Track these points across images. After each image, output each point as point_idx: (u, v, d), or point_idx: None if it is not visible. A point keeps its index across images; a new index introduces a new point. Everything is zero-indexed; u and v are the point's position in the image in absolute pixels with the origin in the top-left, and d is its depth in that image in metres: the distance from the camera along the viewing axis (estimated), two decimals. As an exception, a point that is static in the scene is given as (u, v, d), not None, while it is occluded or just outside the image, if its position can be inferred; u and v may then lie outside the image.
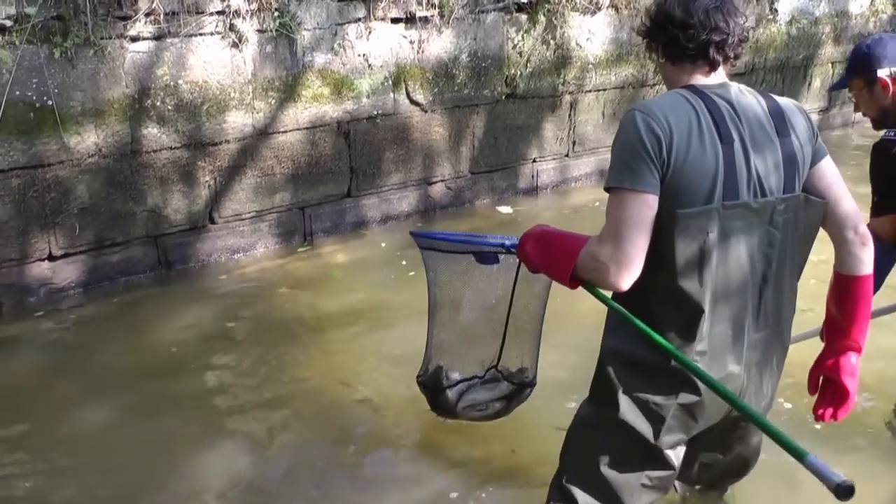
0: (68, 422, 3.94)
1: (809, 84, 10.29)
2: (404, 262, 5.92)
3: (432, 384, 3.41)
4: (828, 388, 2.69)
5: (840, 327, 2.64)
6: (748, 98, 2.44)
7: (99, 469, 3.59)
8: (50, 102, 4.96)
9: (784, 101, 2.50)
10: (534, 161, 7.75)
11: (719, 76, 2.48)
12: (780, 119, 2.42)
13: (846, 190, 2.53)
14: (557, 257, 2.58)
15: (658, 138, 2.26)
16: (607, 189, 2.36)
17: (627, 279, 2.30)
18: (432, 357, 3.41)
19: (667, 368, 2.41)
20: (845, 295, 2.60)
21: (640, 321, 2.41)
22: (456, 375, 3.43)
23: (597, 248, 2.36)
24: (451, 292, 3.25)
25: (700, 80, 2.46)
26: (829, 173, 2.52)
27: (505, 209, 7.34)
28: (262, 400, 4.11)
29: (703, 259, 2.31)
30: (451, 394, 3.37)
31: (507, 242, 2.90)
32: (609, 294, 2.51)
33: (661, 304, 2.41)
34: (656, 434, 2.51)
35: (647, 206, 2.27)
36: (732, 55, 2.46)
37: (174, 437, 3.79)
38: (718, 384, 2.29)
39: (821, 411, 2.68)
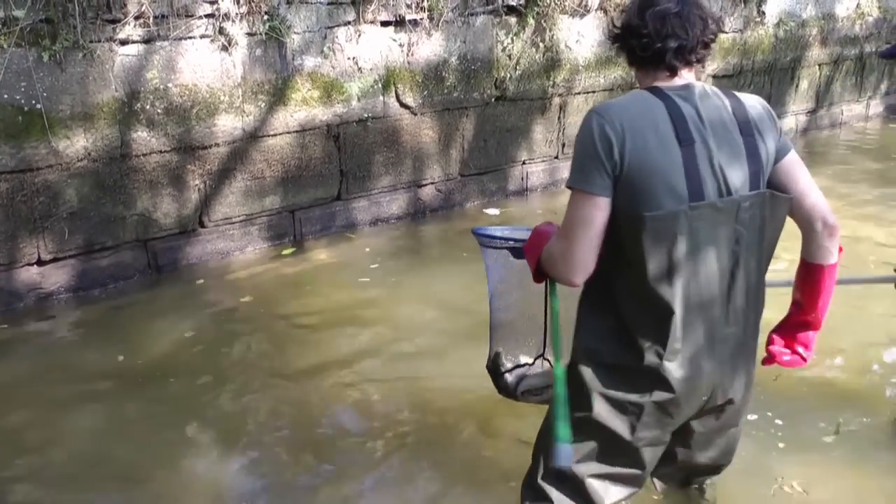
0: (57, 428, 3.91)
1: (797, 86, 10.34)
2: (374, 266, 5.97)
3: (493, 369, 3.47)
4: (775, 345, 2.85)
5: (803, 307, 2.76)
6: (711, 99, 2.46)
7: (88, 476, 3.56)
8: (38, 106, 4.94)
9: (747, 100, 2.53)
10: (523, 163, 7.77)
11: (684, 79, 2.49)
12: (743, 118, 2.45)
13: (813, 183, 2.58)
14: (531, 252, 2.71)
15: (609, 142, 2.31)
16: (568, 187, 2.44)
17: (577, 275, 2.44)
18: (493, 344, 3.47)
19: (639, 369, 2.48)
20: (810, 281, 2.70)
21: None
22: (513, 361, 3.49)
23: (552, 245, 2.52)
24: (502, 285, 3.34)
25: (663, 83, 2.48)
26: (795, 168, 2.56)
27: (492, 211, 7.36)
28: (252, 405, 4.09)
29: (672, 260, 2.36)
30: (509, 378, 3.44)
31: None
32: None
33: (631, 306, 2.49)
34: (632, 430, 2.57)
35: (596, 207, 2.36)
36: (695, 60, 2.48)
37: (165, 443, 3.77)
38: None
39: (774, 355, 2.83)
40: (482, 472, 3.53)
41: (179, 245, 5.85)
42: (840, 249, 2.66)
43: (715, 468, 3.04)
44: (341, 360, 4.52)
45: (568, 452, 2.29)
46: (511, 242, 3.12)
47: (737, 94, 2.54)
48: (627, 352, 2.49)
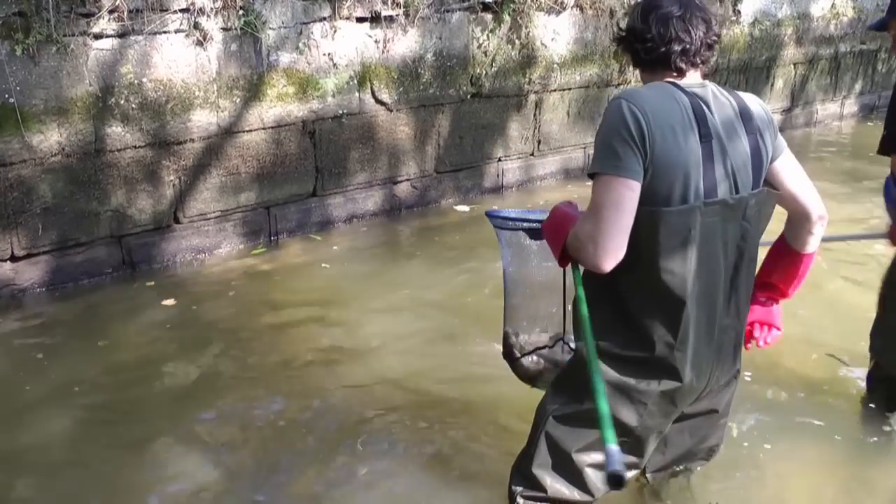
0: (31, 428, 3.88)
1: (772, 85, 10.40)
2: (348, 262, 6.02)
3: (508, 354, 3.38)
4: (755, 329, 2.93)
5: (776, 285, 2.87)
6: (720, 98, 2.52)
7: (64, 478, 3.52)
8: (11, 100, 4.91)
9: (749, 100, 2.59)
10: (499, 160, 7.78)
11: (695, 78, 2.55)
12: (747, 118, 2.52)
13: (806, 179, 2.67)
14: (554, 235, 2.66)
15: (641, 129, 2.33)
16: (591, 175, 2.43)
17: (607, 260, 2.35)
18: (507, 329, 3.40)
19: (649, 359, 2.54)
20: (791, 268, 2.82)
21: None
22: (529, 344, 3.38)
23: (580, 227, 2.45)
24: (518, 268, 3.29)
25: (677, 81, 2.53)
26: (790, 166, 2.65)
27: (461, 208, 7.38)
28: (228, 401, 4.09)
29: (684, 254, 2.41)
30: (526, 362, 3.33)
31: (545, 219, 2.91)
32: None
33: (639, 298, 2.52)
34: (638, 419, 2.62)
35: (629, 189, 2.33)
36: (700, 62, 2.54)
37: (141, 442, 3.74)
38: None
39: (752, 343, 2.92)
40: (466, 461, 3.56)
41: (154, 241, 5.83)
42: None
43: (704, 455, 3.11)
44: (315, 357, 4.54)
45: (613, 450, 2.11)
46: (526, 224, 3.10)
47: (739, 93, 2.60)
48: (636, 343, 2.54)
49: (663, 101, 2.41)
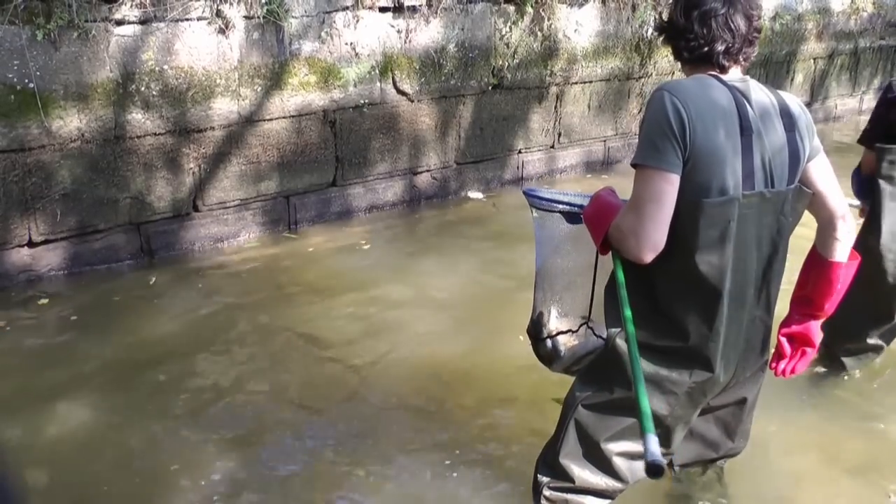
0: (50, 414, 3.85)
1: (792, 79, 10.36)
2: (367, 252, 5.96)
3: (534, 333, 3.36)
4: (789, 347, 2.87)
5: (810, 298, 2.82)
6: (762, 95, 2.53)
7: (84, 466, 3.50)
8: (31, 85, 4.86)
9: (790, 99, 2.61)
10: (520, 152, 7.73)
11: (736, 73, 2.56)
12: (787, 115, 2.53)
13: (836, 184, 2.70)
14: (597, 223, 2.69)
15: (682, 122, 2.34)
16: (633, 165, 2.46)
17: (648, 253, 2.42)
18: (536, 308, 3.36)
19: (682, 349, 2.57)
20: (821, 275, 2.77)
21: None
22: (556, 327, 3.36)
23: (621, 220, 2.50)
24: (551, 249, 3.27)
25: (719, 74, 2.55)
26: (823, 169, 2.68)
27: (475, 195, 7.38)
28: (247, 389, 4.07)
29: (722, 245, 2.43)
30: (549, 344, 3.31)
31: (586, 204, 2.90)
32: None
33: (675, 288, 2.54)
34: (669, 409, 2.65)
35: (668, 183, 2.37)
36: (742, 59, 2.55)
37: (159, 429, 3.73)
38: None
39: (780, 367, 2.88)
40: (486, 453, 3.54)
41: (173, 229, 5.79)
42: (860, 262, 2.78)
43: (730, 450, 3.09)
44: (332, 346, 4.53)
45: (652, 440, 2.14)
46: (564, 206, 3.07)
47: (780, 92, 2.61)
48: (670, 332, 2.57)
49: (705, 93, 2.42)
